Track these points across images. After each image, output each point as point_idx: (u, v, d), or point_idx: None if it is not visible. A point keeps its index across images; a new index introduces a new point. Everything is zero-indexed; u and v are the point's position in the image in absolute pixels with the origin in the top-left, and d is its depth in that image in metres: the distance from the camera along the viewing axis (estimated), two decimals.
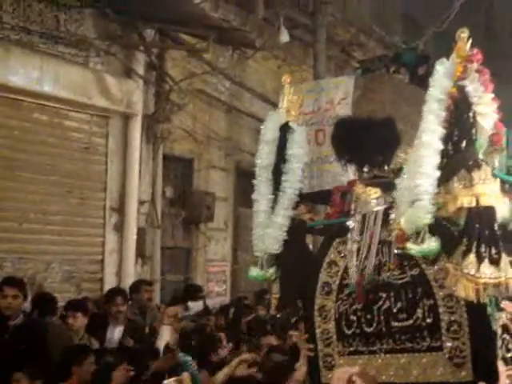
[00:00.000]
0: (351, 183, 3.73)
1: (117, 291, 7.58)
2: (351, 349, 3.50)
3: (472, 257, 2.95)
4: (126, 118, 9.25)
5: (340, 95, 8.18)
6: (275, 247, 3.78)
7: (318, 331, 3.65)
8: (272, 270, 3.84)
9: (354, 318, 3.49)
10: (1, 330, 5.82)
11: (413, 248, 3.14)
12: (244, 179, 9.18)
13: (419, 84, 12.27)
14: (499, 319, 3.12)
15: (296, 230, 3.81)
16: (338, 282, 3.56)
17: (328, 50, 9.87)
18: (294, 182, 3.86)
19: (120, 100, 9.00)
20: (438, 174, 3.10)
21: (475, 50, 3.21)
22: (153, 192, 9.51)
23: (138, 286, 8.26)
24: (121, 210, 9.33)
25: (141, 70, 9.19)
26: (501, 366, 3.04)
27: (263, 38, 9.76)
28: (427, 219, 3.08)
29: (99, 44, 8.68)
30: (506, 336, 3.17)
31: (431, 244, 3.10)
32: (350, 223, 3.54)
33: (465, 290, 2.96)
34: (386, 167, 3.57)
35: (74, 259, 8.99)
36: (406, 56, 11.57)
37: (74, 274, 8.97)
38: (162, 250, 9.60)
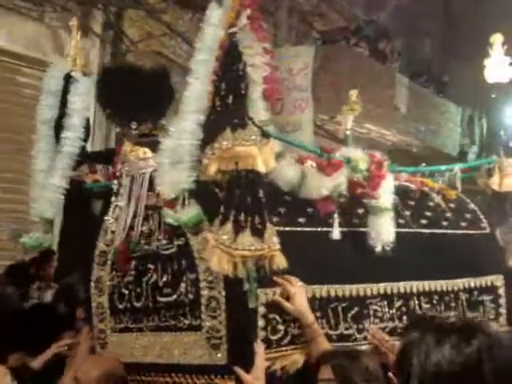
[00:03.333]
0: None
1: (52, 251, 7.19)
2: (122, 325, 3.20)
3: (229, 226, 2.59)
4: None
5: (299, 65, 8.23)
6: (51, 211, 3.42)
7: (93, 305, 3.31)
8: (47, 237, 3.48)
9: (126, 291, 3.16)
10: None
11: (169, 215, 2.80)
12: None
13: (379, 58, 12.28)
14: (262, 296, 2.73)
15: (75, 192, 3.42)
16: (112, 252, 3.21)
17: (289, 19, 9.81)
18: (73, 138, 3.46)
19: None
20: (201, 132, 2.74)
21: None
22: None
23: None
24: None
25: (98, 28, 9.01)
26: (259, 348, 2.67)
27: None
28: (186, 183, 2.72)
29: None
30: (275, 316, 2.78)
31: (190, 211, 2.73)
32: (114, 186, 3.17)
33: (220, 263, 2.58)
34: (155, 124, 3.20)
35: (23, 218, 8.86)
36: (367, 29, 11.61)
37: (22, 232, 8.84)
38: None
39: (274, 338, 2.77)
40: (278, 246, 2.63)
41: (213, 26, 2.80)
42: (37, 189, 3.48)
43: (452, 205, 3.70)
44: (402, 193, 3.40)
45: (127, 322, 3.16)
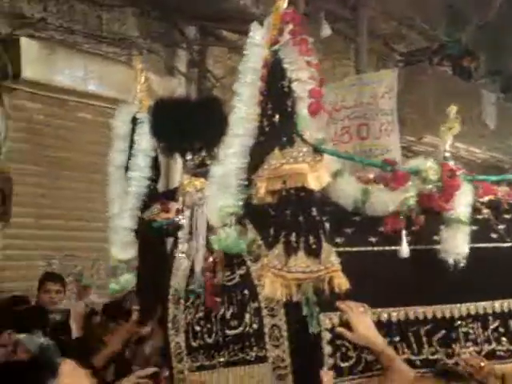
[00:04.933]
0: None
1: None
2: (197, 364, 3.08)
3: (279, 247, 2.45)
4: None
5: (383, 89, 8.19)
6: (126, 253, 3.43)
7: (171, 345, 3.22)
8: (127, 278, 3.47)
9: (198, 328, 3.05)
10: (42, 323, 5.86)
11: (213, 240, 2.70)
12: None
13: (463, 75, 12.11)
14: (326, 321, 2.59)
15: (146, 232, 3.38)
16: (184, 289, 3.12)
17: (369, 43, 9.82)
18: (138, 179, 3.47)
19: None
20: (248, 155, 2.65)
21: (291, 9, 2.68)
22: None
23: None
24: None
25: (183, 67, 9.24)
26: (325, 376, 2.52)
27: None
28: (234, 208, 2.63)
29: (141, 42, 8.76)
30: (344, 342, 2.62)
31: (230, 235, 2.62)
32: (180, 219, 3.10)
33: (272, 288, 2.44)
34: (210, 154, 3.10)
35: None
36: (450, 48, 11.48)
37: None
38: None
39: (345, 365, 2.63)
40: (337, 267, 2.47)
41: (255, 46, 2.74)
42: (112, 233, 3.51)
43: None
44: (495, 207, 3.20)
45: (202, 359, 3.06)
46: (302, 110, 2.56)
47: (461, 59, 10.64)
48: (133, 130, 3.55)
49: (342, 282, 2.47)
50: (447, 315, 2.86)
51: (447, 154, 3.05)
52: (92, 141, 8.69)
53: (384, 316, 2.72)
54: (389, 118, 8.05)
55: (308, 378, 2.58)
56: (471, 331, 2.92)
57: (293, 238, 2.44)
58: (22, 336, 3.72)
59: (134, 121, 3.57)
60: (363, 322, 2.60)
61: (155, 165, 3.57)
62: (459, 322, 2.89)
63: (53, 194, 8.11)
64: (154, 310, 3.64)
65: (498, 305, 3.00)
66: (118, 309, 6.73)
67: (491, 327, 2.97)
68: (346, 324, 2.60)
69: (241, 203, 2.65)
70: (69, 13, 8.05)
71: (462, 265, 2.84)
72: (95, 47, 8.31)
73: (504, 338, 2.98)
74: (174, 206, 3.39)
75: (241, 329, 2.81)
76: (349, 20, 10.00)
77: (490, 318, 2.97)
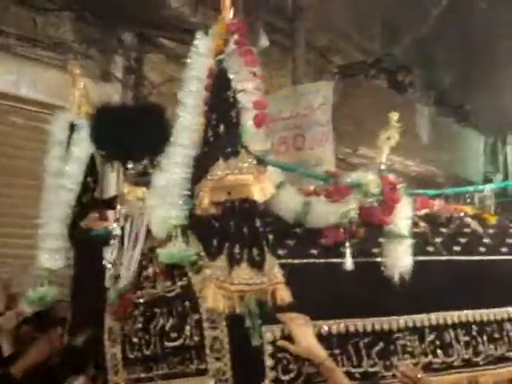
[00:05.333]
0: None
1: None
2: (134, 376, 3.02)
3: (222, 259, 2.43)
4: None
5: (319, 100, 8.25)
6: (53, 262, 3.35)
7: (107, 357, 3.16)
8: (47, 289, 3.37)
9: (136, 339, 2.99)
10: None
11: (161, 254, 2.66)
12: None
13: (398, 89, 12.29)
14: (268, 334, 2.56)
15: (83, 240, 3.34)
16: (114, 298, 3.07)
17: (306, 55, 9.89)
18: (70, 186, 3.41)
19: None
20: (191, 165, 2.66)
21: (236, 19, 2.72)
22: None
23: None
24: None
25: (119, 73, 9.12)
26: None
27: None
28: (177, 219, 2.61)
29: (77, 47, 8.62)
30: (285, 354, 2.58)
31: (179, 247, 2.60)
32: (113, 228, 3.06)
33: (214, 300, 2.42)
34: (152, 162, 3.05)
35: None
36: (385, 62, 11.67)
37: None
38: None
39: (285, 378, 2.59)
40: (280, 279, 2.48)
41: (200, 56, 2.75)
42: (40, 240, 3.42)
43: (491, 230, 3.49)
44: (432, 220, 3.25)
45: (140, 371, 3.01)
46: (247, 120, 2.57)
47: (396, 73, 10.80)
48: (70, 137, 3.49)
49: (284, 295, 2.47)
50: (386, 328, 2.87)
51: (383, 167, 3.10)
52: (24, 146, 8.53)
53: (324, 328, 2.71)
54: (324, 129, 8.12)
55: None
56: (409, 343, 2.93)
57: (236, 249, 2.43)
58: None
59: (72, 127, 3.51)
60: (305, 333, 2.59)
61: (93, 172, 3.50)
62: (397, 335, 2.90)
63: None
64: (88, 320, 3.49)
65: (434, 317, 3.03)
66: (46, 318, 6.58)
67: (428, 340, 2.99)
68: (288, 336, 2.59)
69: (185, 214, 2.62)
70: (1, 15, 7.87)
71: (402, 278, 2.87)
72: (29, 51, 8.14)
73: (440, 351, 3.01)
74: (111, 214, 3.34)
75: (181, 341, 2.76)
76: (286, 31, 10.05)
77: (427, 330, 3.00)
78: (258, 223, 2.48)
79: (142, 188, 3.00)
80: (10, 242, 8.21)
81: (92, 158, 3.49)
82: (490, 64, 11.32)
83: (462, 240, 3.33)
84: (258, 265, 2.44)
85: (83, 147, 3.43)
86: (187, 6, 9.41)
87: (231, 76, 2.60)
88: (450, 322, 3.07)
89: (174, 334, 2.79)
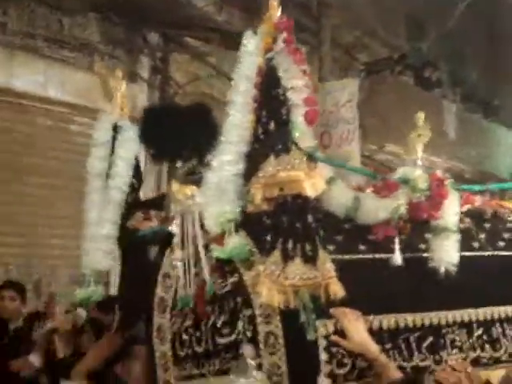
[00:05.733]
0: None
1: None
2: (185, 373, 3.06)
3: (276, 255, 2.47)
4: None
5: (345, 97, 8.24)
6: (104, 262, 3.39)
7: (157, 355, 3.19)
8: (95, 289, 3.45)
9: (186, 337, 3.03)
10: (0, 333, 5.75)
11: (216, 250, 2.70)
12: None
13: (424, 86, 12.23)
14: (322, 328, 2.58)
15: (130, 241, 3.37)
16: (172, 297, 3.10)
17: (333, 53, 9.87)
18: (118, 187, 3.44)
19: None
20: (243, 162, 2.68)
21: (284, 17, 2.74)
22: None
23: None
24: None
25: (145, 73, 9.18)
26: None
27: None
28: (231, 215, 2.64)
29: (103, 48, 8.69)
30: (339, 349, 2.61)
31: (235, 242, 2.63)
32: (173, 228, 3.04)
33: (269, 295, 2.46)
34: (201, 161, 3.12)
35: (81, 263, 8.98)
36: (412, 58, 11.60)
37: (80, 278, 8.95)
38: None
39: (340, 372, 2.62)
40: (333, 274, 2.48)
41: (249, 54, 2.76)
42: (89, 241, 3.46)
43: None
44: (476, 216, 3.26)
45: (191, 368, 3.03)
46: (298, 117, 2.59)
47: (422, 69, 10.75)
48: (113, 138, 3.54)
49: (337, 289, 2.48)
50: (434, 322, 2.89)
51: (419, 163, 3.11)
52: (52, 146, 8.60)
53: (375, 323, 2.73)
54: (351, 126, 8.11)
55: None
56: (457, 338, 2.95)
57: (290, 244, 2.46)
58: None
59: (115, 128, 3.56)
60: (357, 328, 2.61)
61: (137, 173, 3.56)
62: (446, 330, 2.92)
63: (12, 199, 8.00)
64: (136, 321, 3.58)
65: (481, 312, 3.04)
66: (102, 322, 6.64)
67: (475, 334, 3.01)
68: (341, 331, 2.61)
69: (238, 210, 2.66)
70: (29, 17, 7.95)
71: (449, 273, 2.88)
72: (56, 52, 8.22)
73: (487, 345, 3.03)
74: (155, 214, 3.39)
75: (233, 336, 2.79)
76: (312, 29, 10.06)
77: (475, 325, 3.01)
78: (310, 219, 2.51)
79: (191, 186, 3.03)
80: (39, 242, 8.31)
81: (136, 159, 3.56)
82: None
83: (506, 235, 3.32)
84: (311, 260, 2.47)
85: (128, 148, 3.49)
86: (212, 5, 9.44)
87: (281, 74, 2.63)
88: (496, 316, 3.08)
89: (226, 330, 2.83)
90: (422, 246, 2.96)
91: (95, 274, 3.45)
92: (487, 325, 3.05)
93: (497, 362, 3.03)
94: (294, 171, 2.52)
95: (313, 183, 2.54)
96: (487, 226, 3.30)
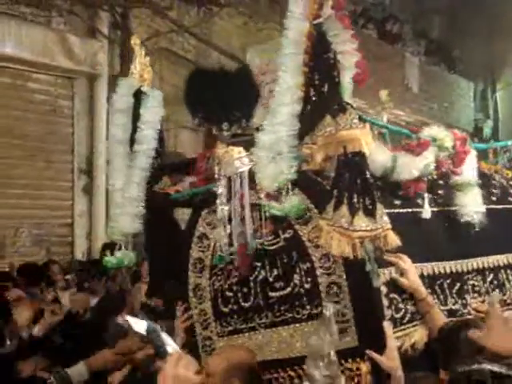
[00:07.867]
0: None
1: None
2: (230, 328, 3.22)
3: (344, 209, 2.63)
4: (92, 78, 9.13)
5: None
6: (134, 226, 3.46)
7: (194, 313, 3.35)
8: (132, 254, 3.53)
9: (231, 293, 3.18)
10: None
11: (273, 207, 2.84)
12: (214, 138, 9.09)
13: (387, 39, 12.21)
14: (382, 276, 2.81)
15: (159, 204, 3.45)
16: (210, 257, 3.25)
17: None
18: (146, 151, 3.52)
19: (84, 60, 8.86)
20: (297, 123, 2.80)
21: None
22: None
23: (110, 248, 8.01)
24: (89, 172, 9.24)
25: (105, 29, 9.04)
26: (388, 328, 2.72)
27: None
28: (289, 174, 2.78)
29: (61, 3, 8.50)
30: (395, 295, 2.87)
31: (292, 200, 2.79)
32: (217, 188, 3.15)
33: (339, 246, 2.63)
34: (247, 123, 3.26)
35: (43, 223, 8.93)
36: (374, 11, 11.55)
37: (43, 237, 8.92)
38: None
39: (397, 316, 2.86)
40: (389, 226, 2.67)
41: (296, 19, 2.84)
42: (115, 208, 3.53)
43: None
44: (481, 174, 3.48)
45: (236, 323, 3.18)
46: (347, 80, 2.73)
47: (384, 23, 10.71)
48: (136, 104, 3.58)
49: (394, 239, 2.69)
50: (460, 270, 3.19)
51: (385, 131, 3.31)
52: (10, 105, 8.46)
53: (417, 271, 2.97)
54: None
55: (372, 329, 2.76)
56: (476, 283, 3.26)
57: (354, 199, 2.63)
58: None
59: (137, 94, 3.60)
60: (412, 271, 2.89)
61: (160, 138, 3.60)
62: (467, 276, 3.23)
63: None
64: (165, 283, 3.64)
65: (491, 260, 3.36)
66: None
67: (488, 280, 3.33)
68: (394, 280, 2.88)
69: (294, 169, 2.79)
70: None
71: (470, 224, 3.20)
72: (12, 8, 8.04)
73: (497, 290, 3.34)
74: (183, 178, 3.50)
75: (289, 289, 2.97)
76: None
77: (487, 272, 3.33)
78: (368, 174, 2.67)
79: (238, 148, 3.13)
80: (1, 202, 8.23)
81: (160, 124, 3.61)
82: (479, 10, 11.20)
83: (495, 191, 3.62)
84: (371, 213, 2.63)
85: (153, 113, 3.55)
86: None
87: (330, 39, 2.74)
88: (501, 264, 3.41)
89: (279, 284, 3.00)
90: (448, 201, 3.24)
91: (126, 237, 3.51)
92: (495, 271, 3.36)
93: (504, 305, 3.32)
94: (353, 130, 2.66)
95: (366, 141, 2.69)
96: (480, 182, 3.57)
